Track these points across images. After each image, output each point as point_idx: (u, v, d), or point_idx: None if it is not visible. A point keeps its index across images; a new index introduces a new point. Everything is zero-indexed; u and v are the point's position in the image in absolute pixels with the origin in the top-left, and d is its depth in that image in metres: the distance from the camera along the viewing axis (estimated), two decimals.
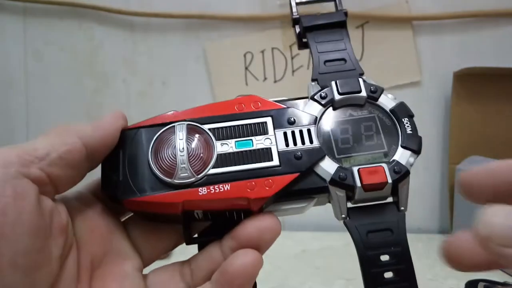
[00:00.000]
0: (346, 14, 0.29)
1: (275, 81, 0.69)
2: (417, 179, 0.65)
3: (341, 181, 0.23)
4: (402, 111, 0.25)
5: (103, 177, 0.25)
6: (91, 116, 0.72)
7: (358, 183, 0.23)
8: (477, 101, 0.64)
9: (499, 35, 0.65)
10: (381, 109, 0.26)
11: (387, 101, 0.26)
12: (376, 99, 0.26)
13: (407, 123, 0.25)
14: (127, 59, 0.71)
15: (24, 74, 0.72)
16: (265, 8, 0.67)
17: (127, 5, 0.69)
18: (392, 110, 0.25)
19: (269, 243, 0.24)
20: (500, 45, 0.65)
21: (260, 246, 0.23)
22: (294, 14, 0.30)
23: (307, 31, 0.29)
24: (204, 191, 0.23)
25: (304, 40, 0.29)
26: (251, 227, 0.24)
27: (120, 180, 0.24)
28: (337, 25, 0.29)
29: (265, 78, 0.69)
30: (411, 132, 0.25)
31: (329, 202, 0.25)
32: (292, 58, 0.68)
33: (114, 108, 0.76)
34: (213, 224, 0.26)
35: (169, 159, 0.24)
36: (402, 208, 0.24)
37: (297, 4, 0.30)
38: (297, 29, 0.30)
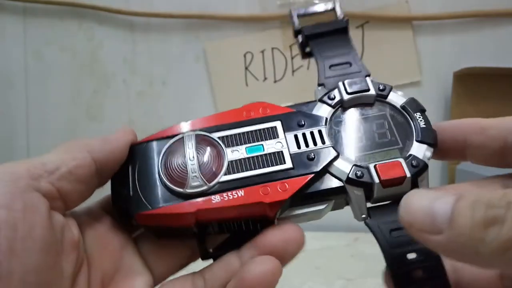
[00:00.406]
0: (347, 21, 0.29)
1: (275, 81, 0.68)
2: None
3: (358, 179, 0.22)
4: (413, 106, 0.25)
5: (113, 192, 0.25)
6: (91, 116, 0.72)
7: (376, 179, 0.22)
8: (477, 101, 0.64)
9: (499, 35, 0.65)
10: (391, 106, 0.25)
11: (397, 98, 0.26)
12: (386, 96, 0.26)
13: (419, 117, 0.25)
14: (127, 59, 0.71)
15: (24, 74, 0.72)
16: (265, 8, 0.67)
17: (127, 5, 0.69)
18: (403, 106, 0.25)
19: (293, 255, 0.23)
20: (500, 45, 0.65)
21: (284, 257, 0.22)
22: (296, 25, 0.29)
23: (309, 40, 0.29)
24: (218, 199, 0.23)
25: (307, 49, 0.29)
26: (276, 237, 0.22)
27: (130, 194, 0.24)
28: (339, 31, 0.29)
29: (265, 78, 0.69)
30: (424, 126, 0.24)
31: (347, 204, 0.24)
32: (292, 58, 0.68)
33: (114, 108, 0.76)
34: (230, 237, 0.25)
35: (179, 169, 0.24)
36: None
37: (299, 16, 0.30)
38: (300, 39, 0.30)
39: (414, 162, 0.23)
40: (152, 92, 0.71)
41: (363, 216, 0.23)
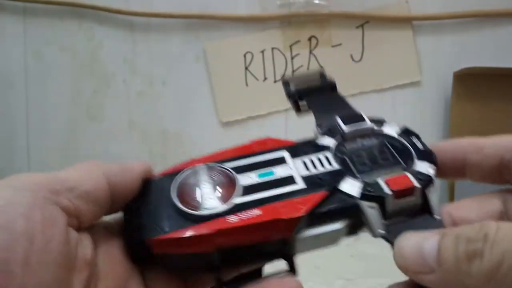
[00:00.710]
0: (335, 83, 0.32)
1: (275, 81, 0.68)
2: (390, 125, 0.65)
3: (370, 193, 0.23)
4: (408, 133, 0.26)
5: (126, 223, 0.24)
6: (91, 116, 0.72)
7: (388, 191, 0.23)
8: (477, 101, 0.64)
9: (499, 35, 0.65)
10: (388, 136, 0.27)
11: (391, 127, 0.27)
12: (381, 126, 0.27)
13: (416, 141, 0.26)
14: (127, 59, 0.71)
15: (24, 74, 0.72)
16: (265, 8, 0.67)
17: (127, 5, 0.69)
18: (399, 134, 0.26)
19: None
20: (500, 45, 0.65)
21: None
22: (292, 91, 0.32)
23: (304, 96, 0.31)
24: (235, 219, 0.22)
25: (301, 103, 0.31)
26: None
27: (143, 223, 0.23)
28: (331, 89, 0.31)
29: (265, 78, 0.69)
30: (423, 148, 0.25)
31: (361, 227, 0.24)
32: (292, 58, 0.68)
33: (114, 108, 0.76)
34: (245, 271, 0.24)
35: (193, 194, 0.23)
36: (437, 216, 0.23)
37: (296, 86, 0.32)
38: (294, 99, 0.32)
39: (420, 176, 0.23)
40: (152, 92, 0.71)
41: (380, 231, 0.23)
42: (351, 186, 0.23)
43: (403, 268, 0.19)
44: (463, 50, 0.65)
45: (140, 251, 0.23)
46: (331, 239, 0.24)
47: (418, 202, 0.23)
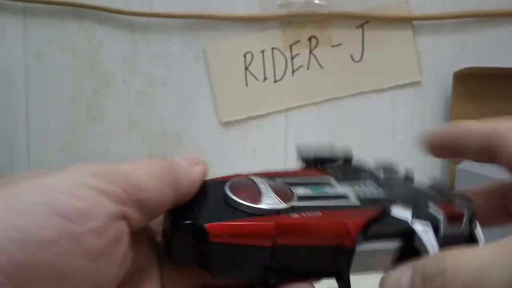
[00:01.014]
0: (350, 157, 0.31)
1: (275, 81, 0.68)
2: (417, 179, 0.65)
3: (424, 213, 0.22)
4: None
5: (177, 215, 0.22)
6: (91, 116, 0.72)
7: (441, 214, 0.22)
8: (477, 101, 0.64)
9: (499, 35, 0.65)
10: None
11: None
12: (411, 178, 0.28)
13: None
14: (127, 59, 0.71)
15: (24, 74, 0.72)
16: (265, 8, 0.67)
17: (127, 5, 0.69)
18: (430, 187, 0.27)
19: None
20: (500, 45, 0.65)
21: None
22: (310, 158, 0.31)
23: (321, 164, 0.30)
24: (297, 216, 0.21)
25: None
26: None
27: (200, 213, 0.22)
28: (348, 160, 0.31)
29: (265, 78, 0.69)
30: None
31: (414, 249, 0.23)
32: (292, 58, 0.68)
33: (114, 108, 0.76)
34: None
35: (251, 190, 0.22)
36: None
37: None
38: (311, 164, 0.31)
39: (464, 204, 0.23)
40: (152, 92, 0.71)
41: (436, 249, 0.22)
42: (401, 209, 0.23)
43: None
44: (463, 50, 0.65)
45: (195, 239, 0.21)
46: (384, 259, 0.23)
47: (466, 232, 0.23)
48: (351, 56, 0.67)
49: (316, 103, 0.68)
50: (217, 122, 0.70)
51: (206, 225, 0.20)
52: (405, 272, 0.20)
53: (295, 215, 0.21)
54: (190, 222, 0.21)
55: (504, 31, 0.64)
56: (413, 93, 0.67)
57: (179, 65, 0.70)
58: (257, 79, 0.69)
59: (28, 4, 0.70)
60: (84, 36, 0.71)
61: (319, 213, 0.22)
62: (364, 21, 0.66)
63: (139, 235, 0.22)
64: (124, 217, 0.18)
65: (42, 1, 0.70)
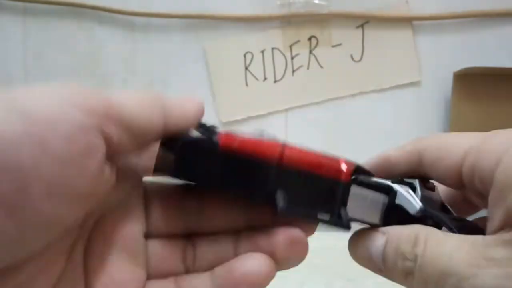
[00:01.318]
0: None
1: (275, 81, 0.68)
2: None
3: (401, 182, 0.24)
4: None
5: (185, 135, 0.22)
6: None
7: (416, 181, 0.24)
8: (477, 101, 0.64)
9: (499, 35, 0.65)
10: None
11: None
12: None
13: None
14: (127, 59, 0.71)
15: (24, 74, 0.72)
16: (265, 8, 0.67)
17: (127, 5, 0.69)
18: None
19: (294, 262, 0.23)
20: (500, 45, 0.65)
21: (282, 263, 0.22)
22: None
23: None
24: (300, 146, 0.23)
25: None
26: (280, 237, 0.22)
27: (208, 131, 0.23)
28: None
29: (265, 78, 0.69)
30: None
31: (399, 208, 0.24)
32: (292, 58, 0.68)
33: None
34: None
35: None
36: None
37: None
38: None
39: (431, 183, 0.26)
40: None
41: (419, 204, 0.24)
42: (382, 180, 0.25)
43: (360, 264, 0.23)
44: (463, 50, 0.65)
45: (204, 148, 0.21)
46: (374, 211, 0.24)
47: (439, 199, 0.25)
48: (351, 56, 0.67)
49: (316, 103, 0.68)
50: (217, 122, 0.70)
51: (219, 133, 0.22)
52: (379, 238, 0.22)
53: (298, 146, 0.23)
54: (199, 136, 0.22)
55: (504, 31, 0.64)
56: (413, 93, 0.67)
57: (179, 65, 0.70)
58: (257, 79, 0.69)
59: (28, 4, 0.70)
60: (84, 36, 0.71)
61: (319, 151, 0.24)
62: (364, 21, 0.66)
63: (126, 173, 0.22)
64: (102, 133, 0.18)
65: (42, 1, 0.70)
